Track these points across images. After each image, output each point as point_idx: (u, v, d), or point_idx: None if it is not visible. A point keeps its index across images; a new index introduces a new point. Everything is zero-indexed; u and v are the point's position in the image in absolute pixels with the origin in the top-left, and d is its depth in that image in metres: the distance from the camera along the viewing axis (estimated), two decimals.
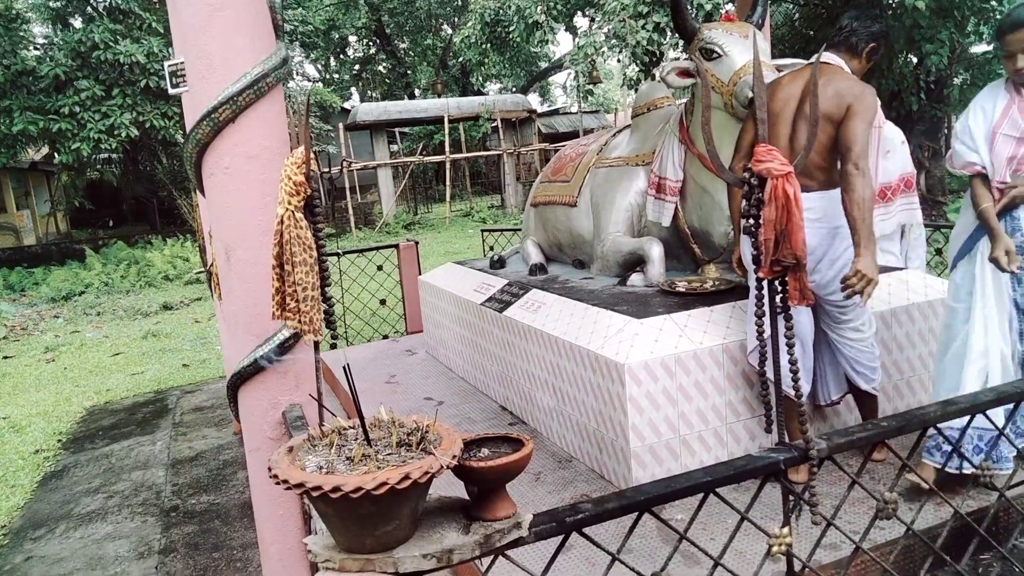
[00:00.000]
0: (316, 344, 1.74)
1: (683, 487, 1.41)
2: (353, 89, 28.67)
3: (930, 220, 7.78)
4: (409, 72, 26.61)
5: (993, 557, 2.34)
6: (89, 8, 15.13)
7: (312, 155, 1.68)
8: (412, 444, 1.24)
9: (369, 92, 28.00)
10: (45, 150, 17.45)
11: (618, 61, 12.33)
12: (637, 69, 11.55)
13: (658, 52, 11.26)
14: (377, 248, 6.05)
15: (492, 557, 1.28)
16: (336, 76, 27.86)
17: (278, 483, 1.15)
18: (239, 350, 2.14)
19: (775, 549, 1.48)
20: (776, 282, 1.55)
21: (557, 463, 3.13)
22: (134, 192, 19.88)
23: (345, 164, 16.67)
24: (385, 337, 5.88)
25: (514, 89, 24.85)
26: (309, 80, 27.11)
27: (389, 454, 1.21)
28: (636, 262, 3.60)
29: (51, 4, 15.27)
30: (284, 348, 2.10)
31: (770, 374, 1.61)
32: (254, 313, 2.09)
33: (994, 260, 2.51)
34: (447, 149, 18.08)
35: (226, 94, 1.96)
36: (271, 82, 2.04)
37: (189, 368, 6.77)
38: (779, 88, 2.69)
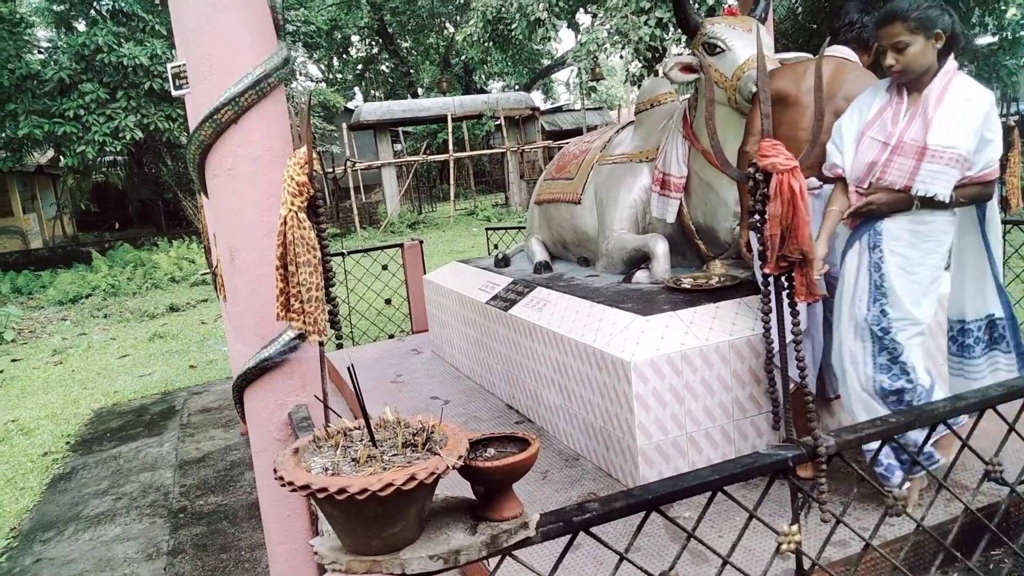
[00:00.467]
0: (321, 345, 1.74)
1: (691, 485, 1.40)
2: (356, 89, 28.67)
3: None
4: (412, 71, 26.60)
5: (1004, 553, 2.32)
6: (92, 11, 15.17)
7: (315, 155, 1.68)
8: (418, 445, 1.23)
9: (372, 92, 28.00)
10: (51, 153, 17.51)
11: (621, 57, 12.30)
12: (640, 65, 11.52)
13: (661, 48, 11.22)
14: (382, 248, 6.05)
15: (499, 557, 1.27)
16: (339, 76, 27.86)
17: (283, 485, 1.15)
18: (245, 351, 2.14)
19: (784, 547, 1.47)
20: (783, 278, 1.54)
21: (564, 461, 3.12)
22: (139, 194, 19.94)
23: (349, 164, 16.68)
24: (391, 337, 5.88)
25: (517, 87, 24.82)
26: (312, 80, 27.14)
27: (395, 455, 1.21)
28: (641, 259, 3.59)
29: (54, 8, 15.32)
30: (290, 349, 2.10)
31: (778, 370, 1.60)
32: (259, 314, 2.09)
33: None
34: (451, 148, 18.08)
35: (228, 95, 1.95)
36: (273, 82, 2.03)
37: (196, 369, 6.79)
38: (802, 77, 2.68)
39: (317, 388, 2.14)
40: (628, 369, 2.65)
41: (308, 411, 2.11)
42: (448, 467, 1.15)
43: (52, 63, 13.77)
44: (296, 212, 1.63)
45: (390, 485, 1.08)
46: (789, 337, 1.55)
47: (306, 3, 18.89)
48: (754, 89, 2.95)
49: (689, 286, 3.22)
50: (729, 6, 3.71)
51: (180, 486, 4.14)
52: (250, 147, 2.02)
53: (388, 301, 6.17)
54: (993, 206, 2.46)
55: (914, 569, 2.09)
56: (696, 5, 10.14)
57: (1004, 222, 5.02)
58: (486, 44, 15.33)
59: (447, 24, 25.35)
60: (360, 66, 27.49)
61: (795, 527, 1.48)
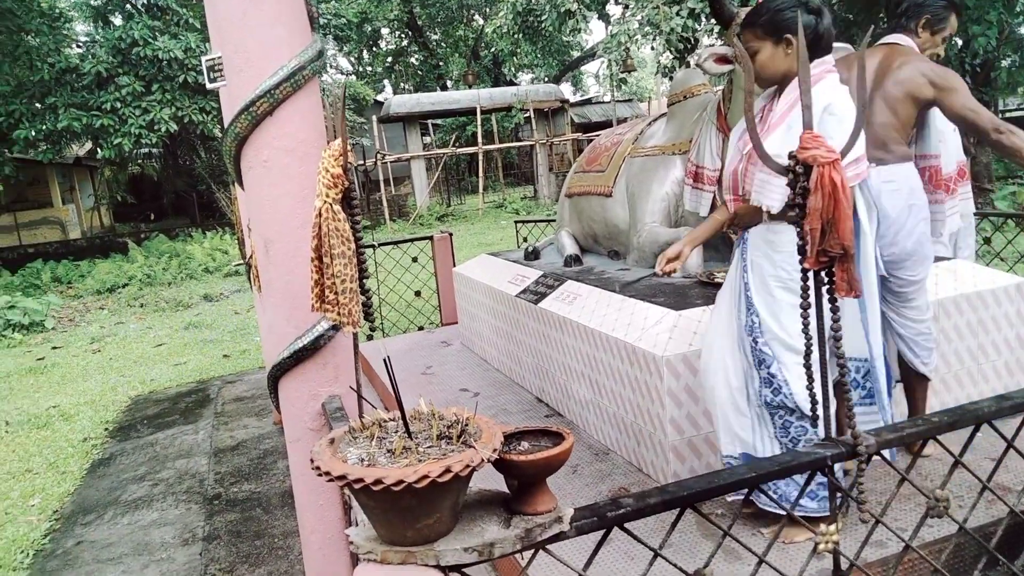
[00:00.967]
0: (355, 336, 1.75)
1: (727, 482, 1.38)
2: (386, 81, 28.81)
3: (977, 208, 7.55)
4: (441, 63, 26.65)
5: None
6: (128, 5, 15.42)
7: (349, 147, 1.68)
8: (452, 437, 1.23)
9: (402, 84, 28.11)
10: (88, 145, 17.88)
11: (652, 49, 12.17)
12: (671, 56, 11.39)
13: (693, 39, 11.08)
14: (412, 240, 6.08)
15: (533, 551, 1.27)
16: (369, 69, 28.02)
17: (320, 475, 1.16)
18: (279, 342, 2.17)
19: (822, 546, 1.45)
20: (823, 273, 1.51)
21: (594, 456, 3.11)
22: (174, 186, 20.28)
23: (379, 156, 16.78)
24: (420, 329, 5.91)
25: (546, 79, 24.72)
26: (342, 73, 27.32)
27: (430, 447, 1.21)
28: None
29: (92, 2, 15.61)
30: (323, 340, 2.11)
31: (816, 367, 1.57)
32: (293, 305, 2.10)
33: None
34: (479, 140, 18.08)
35: (264, 87, 1.97)
36: (307, 75, 2.04)
37: (230, 359, 6.90)
38: (853, 65, 2.64)
39: (350, 378, 2.16)
40: (660, 364, 2.63)
41: (341, 401, 2.12)
42: (483, 460, 1.15)
43: (90, 57, 14.04)
44: (331, 204, 1.64)
45: (425, 477, 1.08)
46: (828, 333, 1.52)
47: None
48: None
49: (722, 281, 3.18)
50: None
51: (215, 473, 4.21)
52: (285, 139, 2.03)
53: (418, 293, 6.20)
54: (864, 232, 2.23)
55: (954, 572, 2.05)
56: None
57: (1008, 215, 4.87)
58: (516, 36, 15.29)
59: (476, 16, 25.33)
60: (390, 59, 27.61)
61: (833, 526, 1.45)
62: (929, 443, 2.39)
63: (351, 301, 1.66)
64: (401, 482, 1.07)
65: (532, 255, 4.60)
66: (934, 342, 2.74)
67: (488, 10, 23.70)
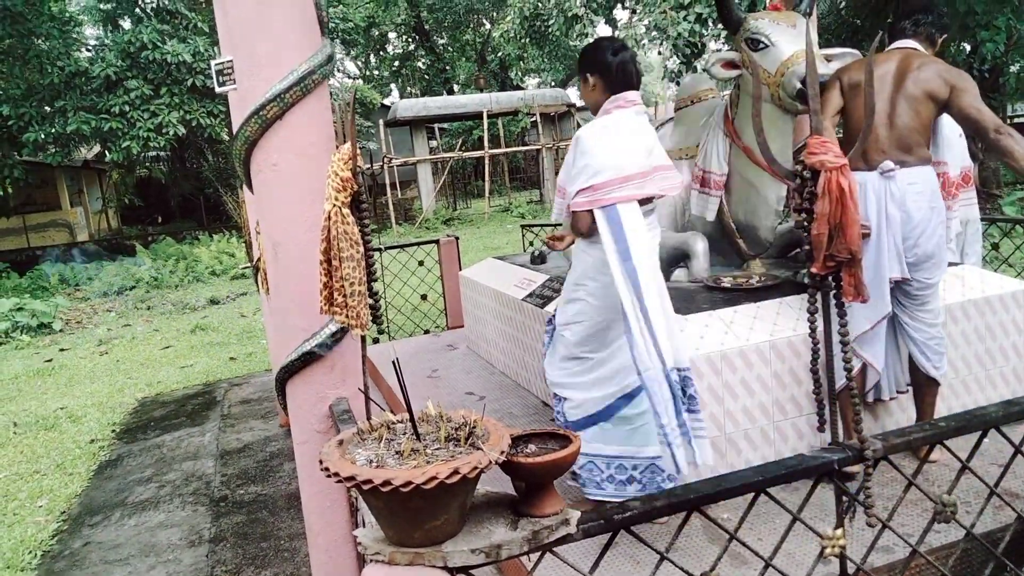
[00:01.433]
0: (363, 339, 1.76)
1: (733, 486, 1.38)
2: (392, 85, 28.90)
3: (985, 213, 7.52)
4: (448, 68, 26.72)
5: None
6: (138, 9, 15.52)
7: (358, 151, 1.69)
8: (460, 439, 1.24)
9: (408, 88, 28.19)
10: (97, 148, 18.00)
11: (659, 53, 12.19)
12: (678, 61, 11.39)
13: (700, 44, 11.08)
14: (418, 244, 6.09)
15: (540, 553, 1.28)
16: (376, 73, 28.11)
17: (329, 476, 1.17)
18: (287, 344, 2.18)
19: (828, 551, 1.45)
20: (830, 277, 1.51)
21: None
22: (181, 189, 20.38)
23: (386, 160, 16.82)
24: (426, 332, 5.92)
25: (553, 83, 24.76)
26: (350, 77, 27.41)
27: (438, 449, 1.22)
28: (680, 257, 3.55)
29: (102, 6, 15.72)
30: (331, 342, 2.13)
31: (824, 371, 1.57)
32: (301, 307, 2.12)
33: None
34: (486, 144, 18.11)
35: (274, 91, 1.99)
36: (317, 79, 2.06)
37: (236, 361, 6.92)
38: (880, 71, 2.67)
39: (357, 381, 2.17)
40: None
41: (348, 404, 2.13)
42: (491, 462, 1.15)
43: (99, 60, 14.13)
44: (340, 207, 1.65)
45: (434, 478, 1.09)
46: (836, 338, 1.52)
47: (344, 0, 19.08)
48: (799, 85, 2.90)
49: (729, 285, 3.18)
50: (772, 1, 3.65)
51: (221, 475, 4.22)
52: (295, 143, 2.05)
53: (424, 297, 6.21)
54: (627, 235, 2.24)
55: None
56: (737, 1, 10.02)
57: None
58: (523, 40, 15.33)
59: (484, 21, 25.40)
60: (397, 63, 27.70)
61: (840, 531, 1.45)
62: (936, 448, 2.39)
63: (359, 304, 1.67)
64: (409, 483, 1.08)
65: (538, 259, 4.61)
66: (945, 347, 2.76)
67: (495, 15, 23.77)
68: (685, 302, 3.03)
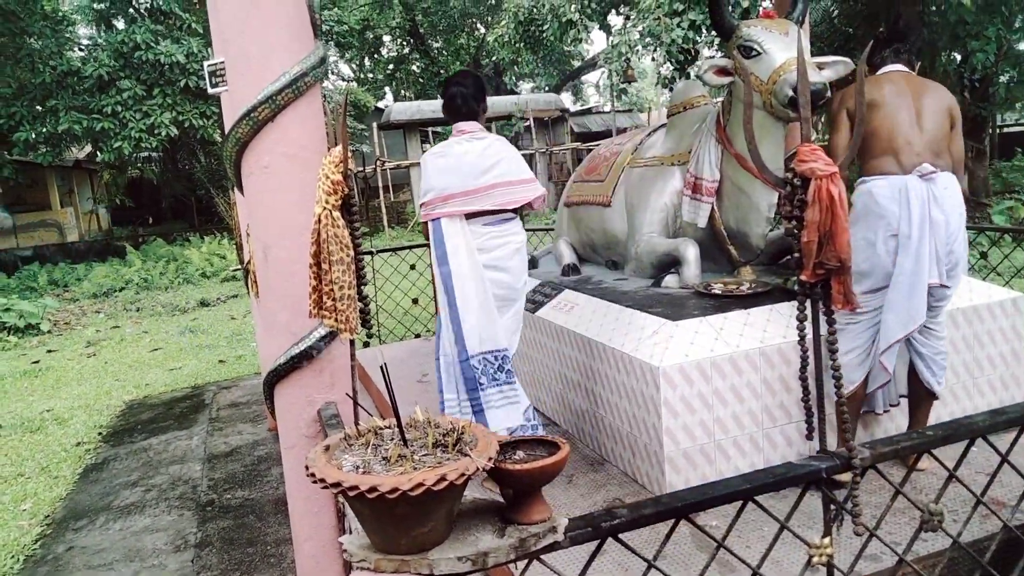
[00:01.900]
0: (352, 343, 1.75)
1: (721, 494, 1.38)
2: (387, 88, 28.87)
3: (973, 222, 7.58)
4: (442, 71, 26.69)
5: None
6: (131, 9, 15.46)
7: (350, 154, 1.69)
8: (448, 445, 1.23)
9: (403, 91, 28.17)
10: (88, 149, 17.89)
11: (652, 59, 12.22)
12: (672, 67, 11.44)
13: (693, 50, 11.13)
14: (410, 247, 6.08)
15: (527, 561, 1.27)
16: (370, 76, 28.07)
17: (315, 482, 1.16)
18: (276, 347, 2.16)
19: (816, 559, 1.45)
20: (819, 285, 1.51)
21: (589, 466, 3.10)
22: (173, 190, 20.28)
23: (379, 163, 16.81)
24: (417, 336, 5.90)
25: (547, 88, 24.81)
26: (344, 80, 27.38)
27: (425, 455, 1.21)
28: (671, 263, 3.56)
29: (95, 6, 15.64)
30: (320, 346, 2.11)
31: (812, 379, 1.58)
32: (291, 311, 2.10)
33: None
34: None
35: (265, 93, 1.98)
36: (309, 81, 2.05)
37: (225, 364, 6.88)
38: (882, 84, 2.72)
39: (346, 385, 2.16)
40: (657, 374, 2.63)
41: (336, 408, 2.12)
42: (478, 468, 1.15)
43: (92, 60, 14.07)
44: (330, 210, 1.64)
45: (420, 485, 1.08)
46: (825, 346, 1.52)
47: (339, 3, 19.07)
48: (790, 93, 2.91)
49: (720, 292, 3.19)
50: (765, 9, 3.67)
51: (208, 479, 4.19)
52: (286, 145, 2.04)
53: (415, 300, 6.19)
54: (446, 244, 2.76)
55: None
56: (731, 8, 10.07)
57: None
58: (517, 45, 15.34)
59: (478, 25, 25.43)
60: (391, 66, 27.68)
61: (827, 539, 1.45)
62: (924, 457, 2.40)
63: (349, 308, 1.66)
64: (396, 490, 1.07)
65: (530, 264, 4.60)
66: (947, 360, 2.79)
67: (490, 19, 23.80)
68: (675, 308, 3.03)
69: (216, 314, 9.57)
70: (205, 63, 3.95)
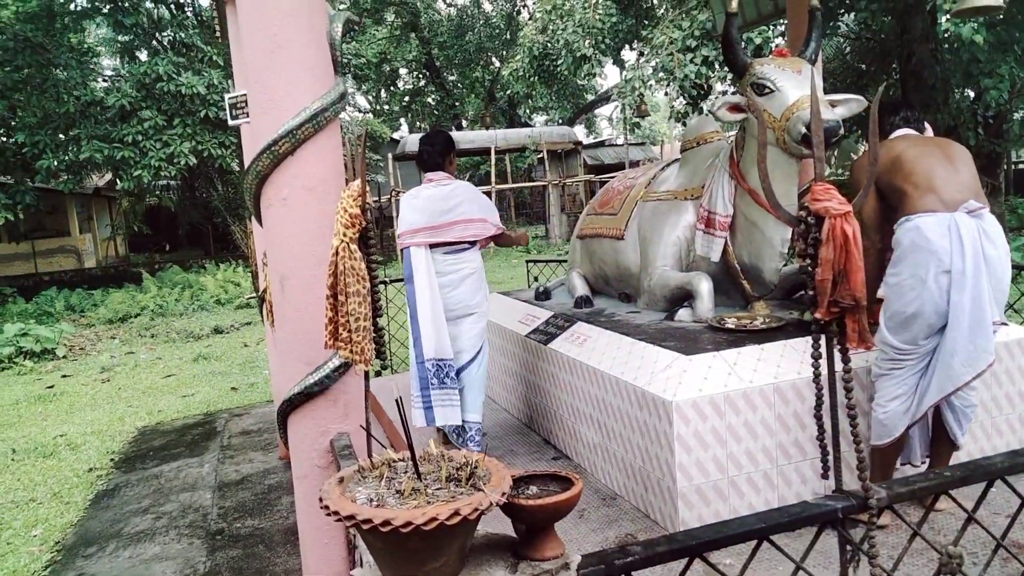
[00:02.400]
0: (367, 375, 1.76)
1: (736, 532, 1.37)
2: (402, 120, 29.26)
3: None
4: (457, 104, 27.08)
5: None
6: (155, 42, 15.82)
7: (367, 188, 1.72)
8: (462, 479, 1.23)
9: (418, 123, 28.54)
10: (108, 176, 18.19)
11: (665, 94, 12.35)
12: (685, 102, 11.55)
13: (706, 85, 11.25)
14: None
15: None
16: (386, 107, 28.49)
17: (329, 514, 1.16)
18: (290, 377, 2.18)
19: None
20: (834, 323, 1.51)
21: (601, 500, 3.08)
22: (190, 218, 20.54)
23: (394, 193, 16.97)
24: None
25: (560, 121, 25.06)
26: (360, 111, 27.79)
27: (438, 489, 1.21)
28: (684, 297, 3.56)
29: (120, 38, 16.02)
30: (334, 376, 2.12)
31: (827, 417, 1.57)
32: (306, 341, 2.12)
33: None
34: (493, 180, 18.27)
35: (286, 128, 2.02)
36: (329, 116, 2.09)
37: (238, 391, 6.90)
38: (898, 142, 2.75)
39: (359, 416, 2.16)
40: (670, 409, 2.62)
41: (349, 439, 2.12)
42: (492, 503, 1.15)
43: (115, 91, 14.37)
44: (348, 243, 1.67)
45: (434, 519, 1.08)
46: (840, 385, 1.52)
47: (357, 36, 19.43)
48: (803, 130, 2.94)
49: (733, 326, 3.18)
50: (778, 47, 3.71)
51: (219, 507, 4.18)
52: (305, 178, 2.07)
53: None
54: (412, 268, 3.43)
55: None
56: (743, 45, 10.19)
57: None
58: (532, 79, 15.56)
59: (493, 59, 25.81)
60: (407, 98, 28.09)
61: None
62: (943, 497, 2.37)
63: (364, 339, 1.68)
64: (409, 524, 1.07)
65: (543, 295, 4.62)
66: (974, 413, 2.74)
67: (505, 53, 24.17)
68: (689, 342, 3.03)
69: (229, 341, 9.62)
70: (226, 95, 4.04)
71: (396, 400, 1.32)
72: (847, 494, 1.46)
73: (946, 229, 2.49)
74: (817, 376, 1.59)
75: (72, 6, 14.14)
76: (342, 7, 20.76)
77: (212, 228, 20.68)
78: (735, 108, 3.23)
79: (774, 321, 3.20)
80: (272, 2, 2.05)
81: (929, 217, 2.52)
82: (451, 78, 27.02)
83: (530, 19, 19.27)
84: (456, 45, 24.06)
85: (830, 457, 1.58)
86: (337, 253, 1.69)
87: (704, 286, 3.44)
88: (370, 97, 28.38)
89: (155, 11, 14.51)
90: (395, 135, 24.12)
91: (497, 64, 25.46)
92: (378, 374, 5.34)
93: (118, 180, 15.67)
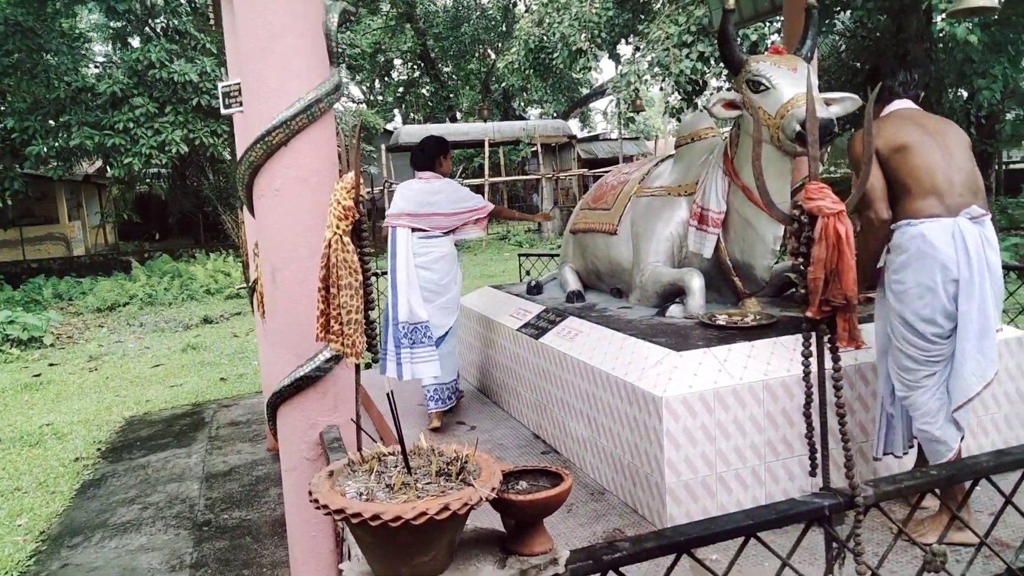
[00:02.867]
0: (357, 368, 1.75)
1: (724, 529, 1.37)
2: (396, 111, 29.16)
3: None
4: (452, 95, 26.99)
5: None
6: (147, 29, 15.69)
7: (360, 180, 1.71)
8: (451, 474, 1.23)
9: (412, 114, 28.44)
10: (98, 163, 18.06)
11: (660, 89, 12.34)
12: (680, 97, 11.55)
13: (701, 81, 11.25)
14: None
15: None
16: (380, 98, 28.38)
17: (318, 507, 1.16)
18: (280, 369, 2.17)
19: None
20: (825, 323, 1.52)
21: (589, 495, 3.09)
22: (181, 206, 20.44)
23: (387, 185, 16.92)
24: None
25: (555, 114, 25.02)
26: (354, 101, 27.66)
27: (428, 483, 1.21)
28: (676, 293, 3.57)
29: (112, 24, 15.88)
30: (325, 368, 2.12)
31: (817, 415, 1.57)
32: (297, 333, 2.11)
33: None
34: (486, 172, 18.24)
35: (280, 118, 2.00)
36: (324, 107, 2.08)
37: (226, 382, 6.88)
38: (902, 123, 2.66)
39: (349, 408, 2.16)
40: (660, 405, 2.63)
41: (339, 432, 2.12)
42: (481, 499, 1.15)
43: (106, 77, 14.25)
44: (341, 235, 1.66)
45: (424, 514, 1.08)
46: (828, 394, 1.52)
47: (352, 26, 19.33)
48: (798, 128, 2.94)
49: (724, 323, 3.19)
50: (774, 44, 3.71)
51: (206, 499, 4.17)
52: (299, 169, 2.06)
53: None
54: (396, 246, 4.01)
55: None
56: (739, 42, 10.19)
57: None
58: (527, 72, 15.52)
59: (489, 51, 25.73)
60: (401, 89, 27.98)
61: None
62: (929, 496, 2.38)
63: (355, 332, 1.67)
64: (399, 518, 1.07)
65: (535, 289, 4.62)
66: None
67: (500, 45, 24.10)
68: (680, 338, 3.04)
69: (219, 331, 9.58)
70: (219, 84, 4.01)
71: (388, 394, 1.31)
72: (834, 492, 1.47)
73: (951, 237, 2.46)
74: (807, 374, 1.60)
75: None
76: None
77: (203, 217, 20.58)
78: (730, 105, 3.23)
79: (765, 318, 3.21)
80: None
81: (934, 223, 2.48)
82: (446, 70, 26.93)
83: (526, 11, 19.21)
84: (451, 36, 23.97)
85: (818, 455, 1.59)
86: (330, 245, 1.68)
87: (696, 283, 3.44)
88: (364, 87, 28.25)
89: None
90: (389, 126, 24.03)
91: (492, 56, 25.39)
92: (368, 367, 5.34)
93: (108, 167, 15.57)
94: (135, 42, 15.90)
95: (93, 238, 20.63)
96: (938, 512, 2.55)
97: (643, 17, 12.90)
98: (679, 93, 11.24)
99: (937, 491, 1.72)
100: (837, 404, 1.50)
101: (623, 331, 3.25)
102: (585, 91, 25.56)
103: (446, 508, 1.09)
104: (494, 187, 19.87)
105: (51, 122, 14.09)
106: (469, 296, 5.11)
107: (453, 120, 26.31)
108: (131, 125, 14.00)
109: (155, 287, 12.77)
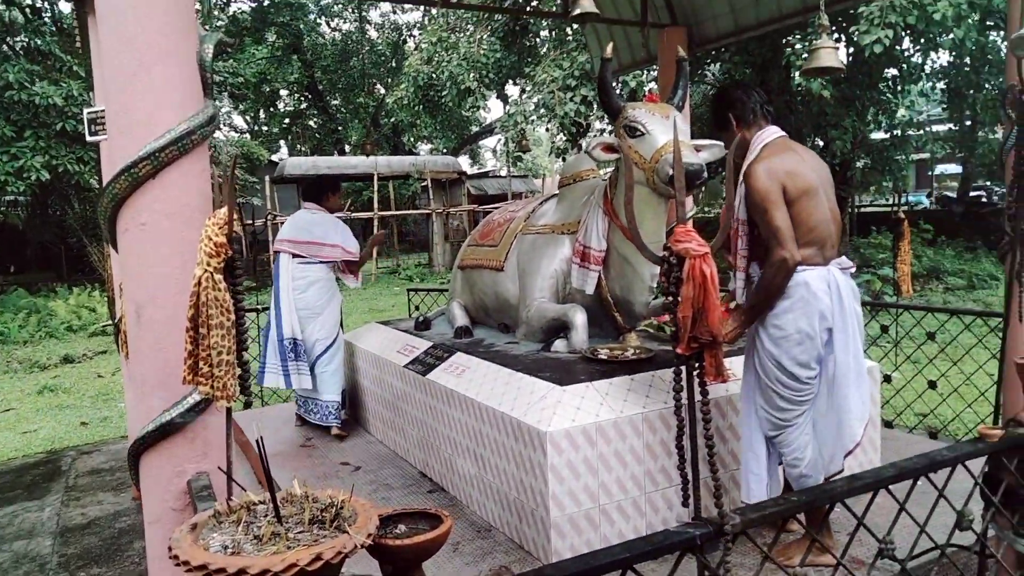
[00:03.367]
0: (229, 411, 1.67)
1: (602, 563, 1.40)
2: (282, 142, 28.42)
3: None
4: (340, 128, 26.65)
5: None
6: (5, 47, 14.58)
7: (236, 212, 1.65)
8: (326, 521, 1.19)
9: (299, 146, 27.80)
10: None
11: (547, 130, 12.73)
12: (564, 138, 11.94)
13: (584, 123, 11.70)
14: None
15: None
16: (265, 128, 27.59)
17: (178, 564, 1.09)
18: (145, 413, 2.03)
19: None
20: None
21: (476, 532, 3.06)
22: (40, 237, 18.89)
23: (270, 217, 16.39)
24: None
25: (445, 151, 25.20)
26: (236, 132, 26.76)
27: (301, 532, 1.16)
28: (560, 328, 3.64)
29: None
30: (194, 412, 2.00)
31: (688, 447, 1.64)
32: (163, 374, 1.99)
33: None
34: (375, 206, 18.05)
35: (148, 149, 1.91)
36: (196, 139, 2.00)
37: (88, 427, 6.35)
38: (798, 158, 2.64)
39: (220, 454, 2.05)
40: (544, 439, 2.66)
41: (209, 479, 2.00)
42: (356, 546, 1.11)
43: None
44: (212, 273, 1.59)
45: (293, 566, 1.04)
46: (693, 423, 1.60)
47: (236, 55, 18.78)
48: (671, 172, 3.09)
49: (606, 357, 3.28)
50: (650, 92, 3.92)
51: (59, 555, 3.81)
52: (167, 203, 1.96)
53: None
54: (279, 270, 4.54)
55: None
56: (618, 87, 10.69)
57: (897, 306, 5.38)
58: (416, 108, 15.58)
59: (378, 85, 25.67)
60: (287, 120, 27.35)
61: None
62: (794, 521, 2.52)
63: (227, 374, 1.59)
64: (266, 571, 1.02)
65: (423, 325, 4.58)
66: None
67: (390, 81, 24.10)
68: (564, 372, 3.09)
69: (81, 371, 8.86)
70: (86, 109, 3.77)
71: (256, 441, 1.26)
72: (705, 521, 1.53)
73: (827, 286, 2.56)
74: (679, 408, 1.67)
75: None
76: (219, 24, 20.06)
77: (65, 248, 19.09)
78: (608, 148, 3.36)
79: (644, 352, 3.33)
80: (137, 18, 1.94)
81: (813, 272, 2.54)
82: (334, 102, 26.60)
83: (416, 49, 19.36)
84: (340, 70, 23.77)
85: (690, 485, 1.65)
86: (200, 283, 1.61)
87: (579, 318, 3.53)
88: (248, 117, 27.40)
89: (7, 14, 13.36)
90: (274, 157, 23.38)
91: (382, 91, 25.34)
92: (248, 405, 5.09)
93: None
94: None
95: None
96: (803, 536, 2.70)
97: (529, 60, 13.31)
98: (564, 134, 11.63)
99: (801, 517, 1.83)
100: (706, 435, 1.57)
101: (510, 366, 3.28)
102: (475, 129, 25.94)
103: (318, 558, 1.06)
104: (384, 221, 19.71)
105: None
106: (356, 332, 5.00)
107: (342, 153, 25.94)
108: None
109: (8, 324, 11.68)
